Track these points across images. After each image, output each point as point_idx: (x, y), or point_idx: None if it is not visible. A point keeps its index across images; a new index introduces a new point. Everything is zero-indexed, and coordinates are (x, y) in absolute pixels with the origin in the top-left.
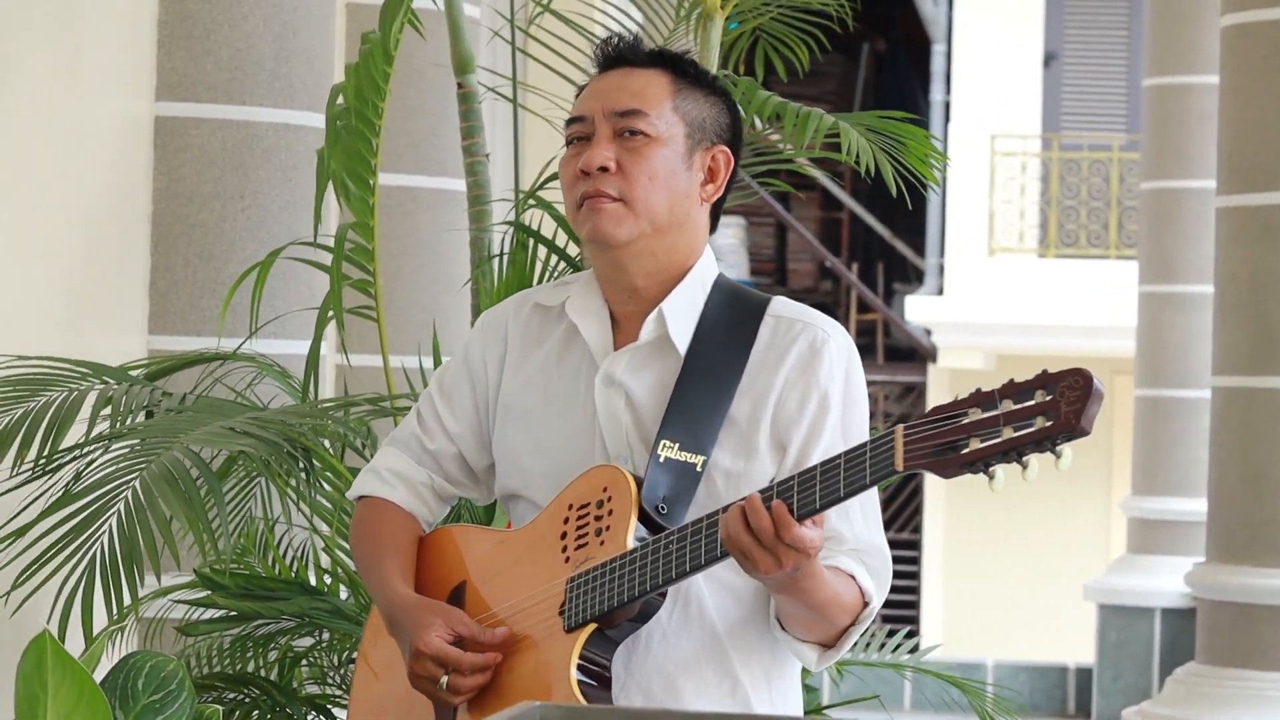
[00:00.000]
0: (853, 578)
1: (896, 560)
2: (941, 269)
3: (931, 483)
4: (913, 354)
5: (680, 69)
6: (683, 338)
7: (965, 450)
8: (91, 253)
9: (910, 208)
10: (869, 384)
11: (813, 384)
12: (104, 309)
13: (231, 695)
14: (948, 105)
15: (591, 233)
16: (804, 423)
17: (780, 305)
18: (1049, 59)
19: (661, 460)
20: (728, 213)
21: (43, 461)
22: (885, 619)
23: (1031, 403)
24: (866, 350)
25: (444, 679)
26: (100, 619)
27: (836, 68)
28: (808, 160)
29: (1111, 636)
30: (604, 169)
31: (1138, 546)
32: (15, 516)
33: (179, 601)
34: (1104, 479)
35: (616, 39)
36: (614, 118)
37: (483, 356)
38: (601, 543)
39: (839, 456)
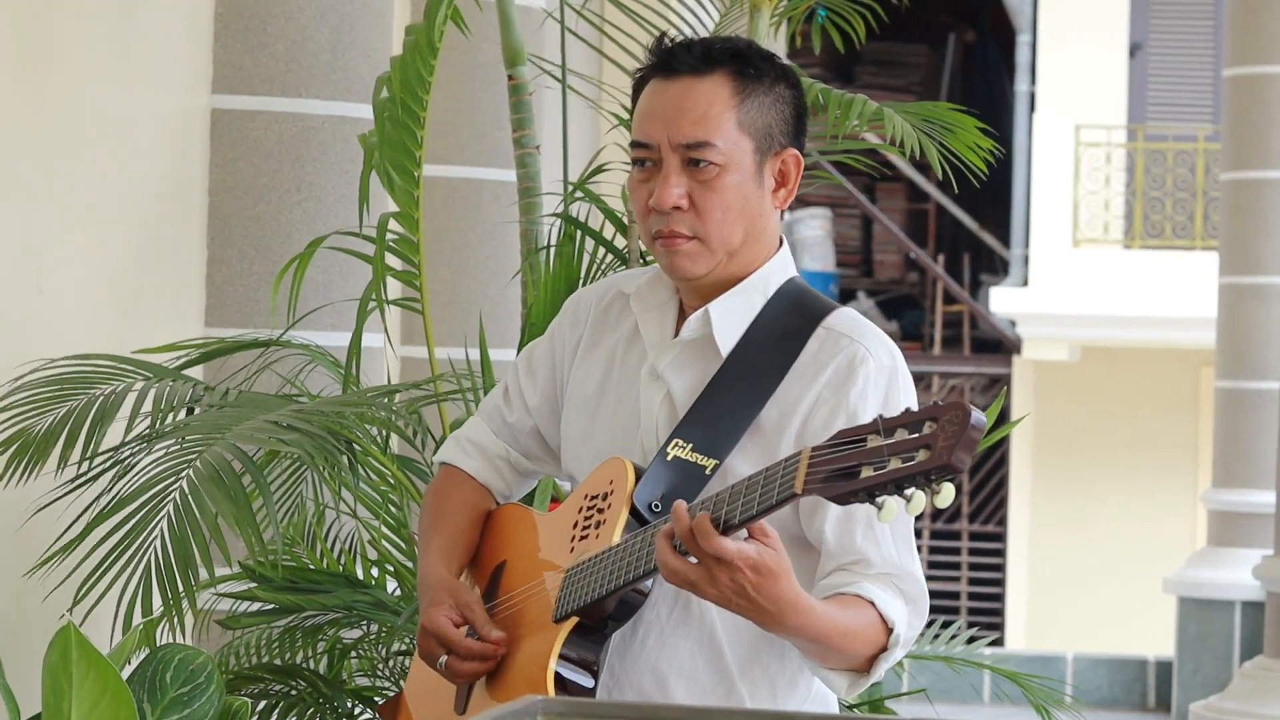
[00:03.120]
0: (872, 604)
1: (981, 553)
2: (1026, 260)
3: (1017, 474)
4: (998, 346)
5: (742, 66)
6: (727, 340)
7: (859, 477)
8: (147, 247)
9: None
10: (954, 376)
11: (842, 402)
12: (160, 303)
13: (278, 687)
14: (1032, 96)
15: (669, 270)
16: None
17: (837, 319)
18: (1134, 49)
19: (669, 458)
20: (813, 203)
21: (85, 463)
22: (969, 611)
23: (920, 434)
24: (952, 342)
25: (443, 659)
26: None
27: (923, 59)
28: (893, 153)
29: (1191, 629)
30: (677, 207)
31: (1218, 539)
32: (68, 523)
33: (223, 595)
34: (1189, 471)
35: (672, 41)
36: (681, 149)
37: (564, 337)
38: (597, 536)
39: (761, 473)
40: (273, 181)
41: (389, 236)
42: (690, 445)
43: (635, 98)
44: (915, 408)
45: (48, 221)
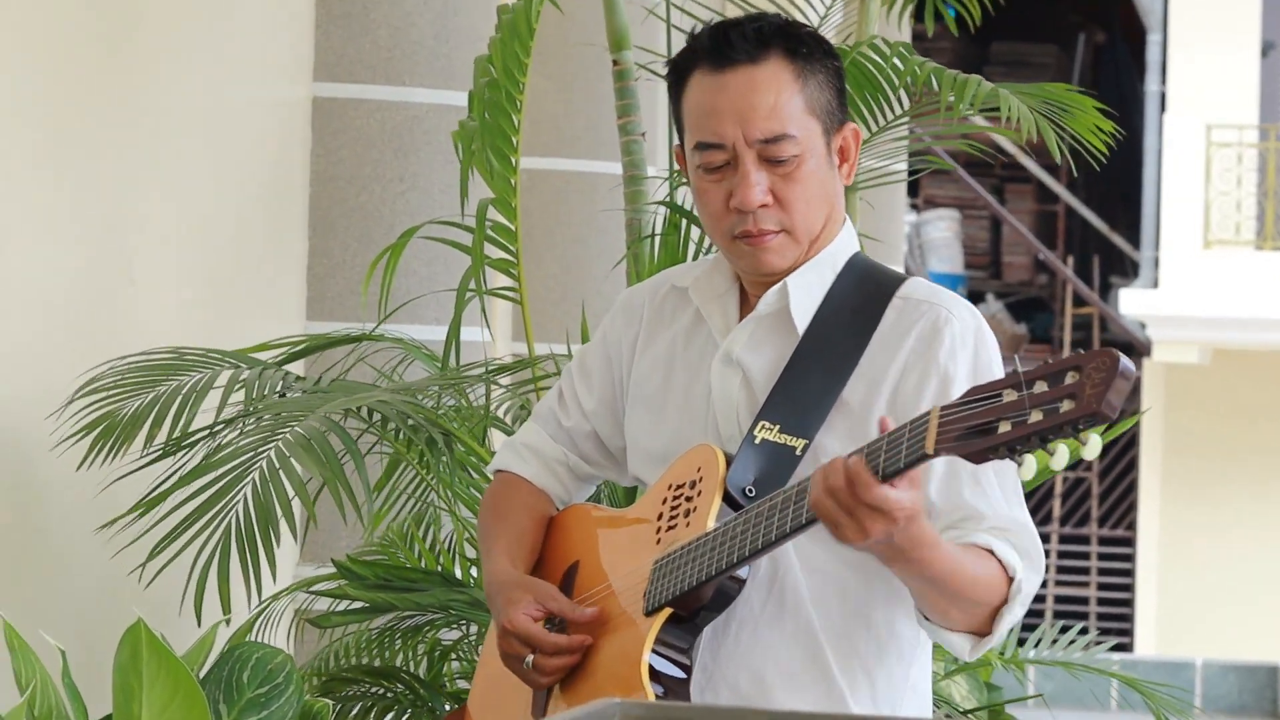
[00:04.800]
0: (990, 552)
1: (1110, 558)
2: (1157, 262)
3: (1146, 477)
4: (1128, 349)
5: (794, 45)
6: (804, 315)
7: (996, 433)
8: (246, 238)
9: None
10: None
11: (932, 364)
12: (259, 296)
13: (376, 690)
14: (1163, 96)
15: (754, 267)
16: (923, 405)
17: (912, 286)
18: (1267, 48)
19: (757, 441)
20: (941, 205)
21: (172, 444)
22: (1098, 617)
23: (1062, 385)
24: (1082, 345)
25: (529, 658)
26: (240, 596)
27: (1052, 59)
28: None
29: None
30: (763, 205)
31: None
32: (148, 495)
33: (314, 593)
34: None
35: (720, 28)
36: (758, 145)
37: (619, 336)
38: (688, 524)
39: (883, 437)
40: (375, 171)
41: (486, 224)
42: (778, 426)
43: (676, 92)
44: (1000, 368)
45: (145, 212)
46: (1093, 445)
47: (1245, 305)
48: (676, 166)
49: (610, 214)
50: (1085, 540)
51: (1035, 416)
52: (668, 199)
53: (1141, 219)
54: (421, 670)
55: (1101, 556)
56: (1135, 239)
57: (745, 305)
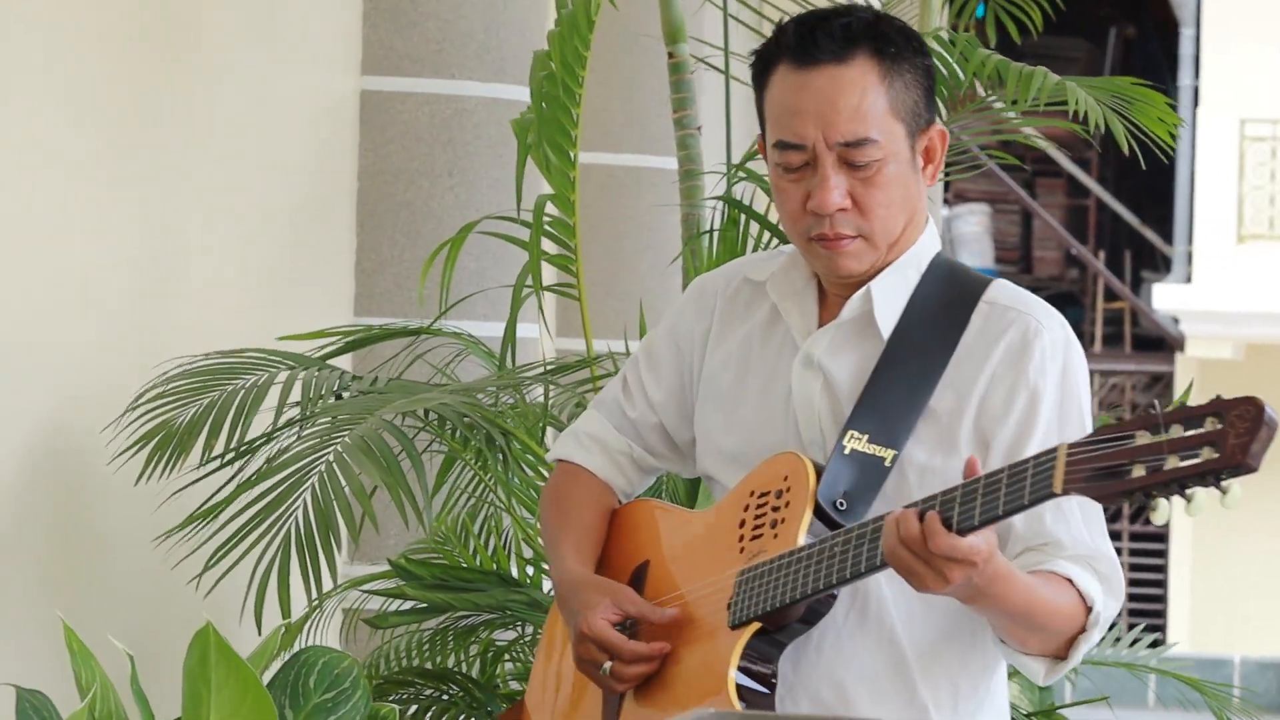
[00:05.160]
0: (1069, 581)
1: (1142, 554)
2: (1189, 257)
3: None
4: (1160, 343)
5: (881, 45)
6: (888, 320)
7: (1128, 477)
8: (294, 233)
9: (1154, 194)
10: (1116, 374)
11: (1021, 379)
12: (307, 291)
13: (429, 692)
14: (1196, 90)
15: (830, 270)
16: (1011, 420)
17: (997, 290)
18: None
19: (847, 452)
20: (972, 199)
21: (231, 453)
22: (1131, 613)
23: (1201, 430)
24: (1113, 340)
25: (607, 665)
26: (298, 600)
27: (1082, 53)
28: (1054, 144)
29: None
30: (841, 209)
31: None
32: (204, 503)
33: (370, 593)
34: None
35: (807, 23)
36: (839, 148)
37: (689, 327)
38: (775, 535)
39: (1003, 471)
40: (424, 166)
41: (544, 220)
42: (867, 436)
43: (760, 84)
44: (1088, 382)
45: (192, 206)
46: (1233, 495)
47: (1278, 300)
48: (734, 160)
49: (664, 210)
50: (1117, 536)
51: (1173, 463)
52: (726, 194)
53: (1174, 214)
54: (474, 671)
55: (1134, 553)
56: (1166, 233)
57: (823, 303)
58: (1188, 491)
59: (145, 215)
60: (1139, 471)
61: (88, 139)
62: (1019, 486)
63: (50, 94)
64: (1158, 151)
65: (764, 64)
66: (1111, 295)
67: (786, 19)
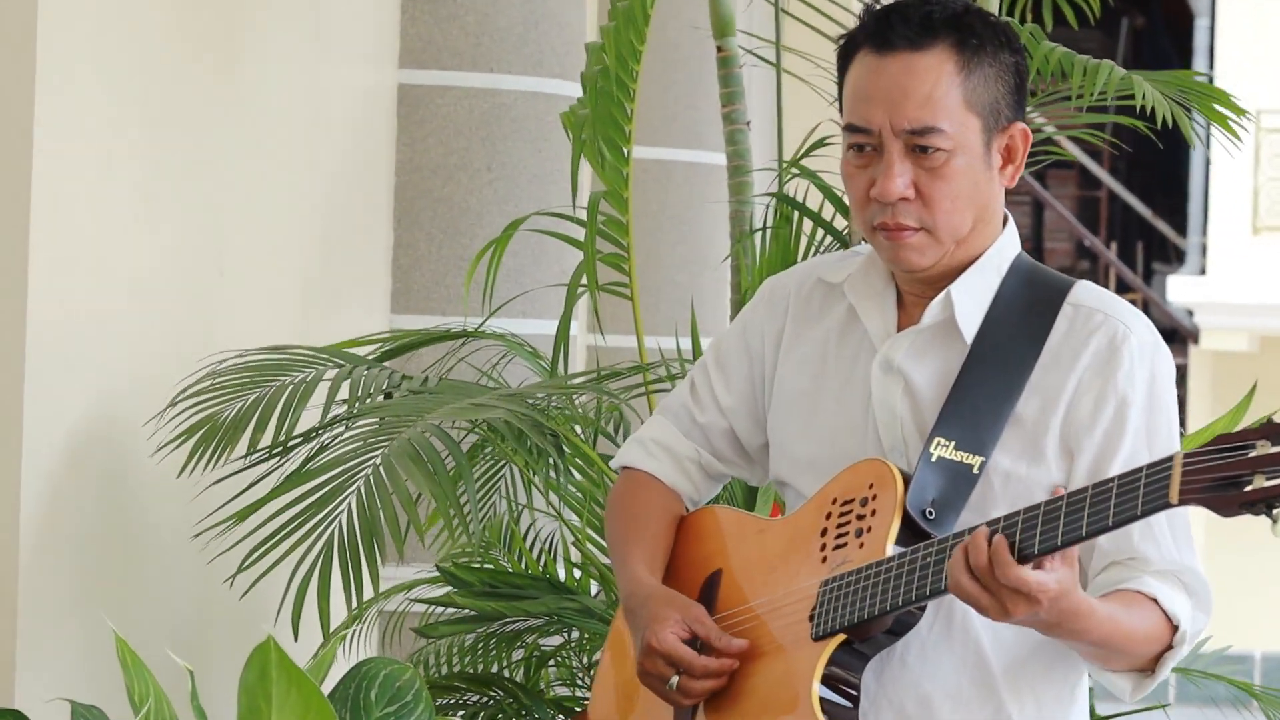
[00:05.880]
0: (1154, 601)
1: None
2: (1204, 248)
3: None
4: (1174, 335)
5: (964, 36)
6: (970, 324)
7: (1248, 488)
8: (332, 229)
9: (1166, 185)
10: None
11: (1110, 387)
12: (344, 287)
13: (473, 698)
14: (1210, 81)
15: (893, 261)
16: (1098, 430)
17: (1082, 292)
18: None
19: (934, 459)
20: None
21: (278, 448)
22: None
23: None
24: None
25: (674, 679)
26: (337, 608)
27: (1094, 44)
28: (1066, 136)
29: None
30: (903, 198)
31: None
32: (242, 494)
33: (419, 600)
34: None
35: (888, 8)
36: (905, 135)
37: (761, 329)
38: (860, 545)
39: (1111, 481)
40: (462, 160)
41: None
42: (954, 443)
43: (841, 69)
44: (1174, 387)
45: (231, 200)
46: None
47: None
48: (786, 157)
49: (712, 207)
50: None
51: None
52: (779, 190)
53: (1188, 205)
54: (519, 676)
55: None
56: (1178, 224)
57: (902, 306)
58: None
59: (186, 209)
60: (1260, 482)
61: (129, 134)
62: (1131, 496)
63: (92, 89)
64: (1227, 149)
65: (847, 49)
66: (1124, 287)
67: (873, 4)
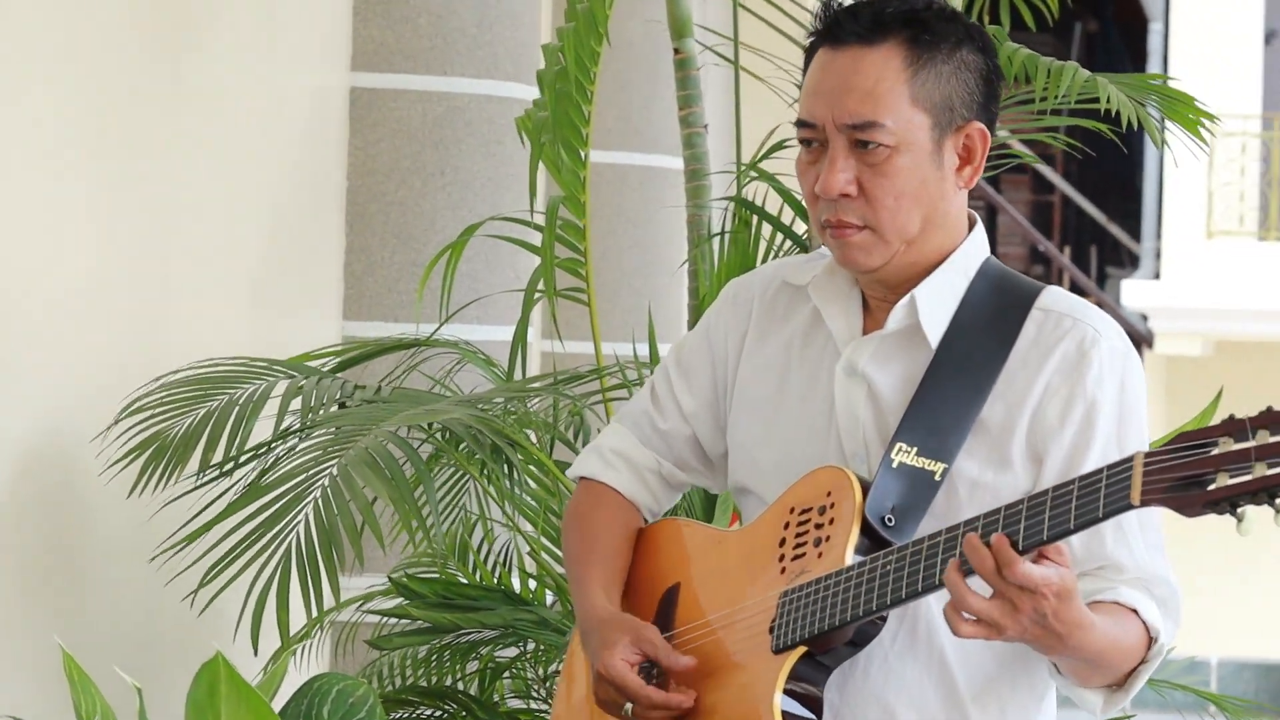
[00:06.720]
0: (1135, 612)
1: None
2: (1158, 253)
3: None
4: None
5: (917, 32)
6: (936, 328)
7: (1211, 487)
8: (282, 235)
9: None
10: None
11: (1078, 390)
12: (296, 294)
13: (428, 711)
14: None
15: (841, 261)
16: (1066, 435)
17: (1051, 298)
18: (1270, 36)
19: (895, 465)
20: None
21: (229, 464)
22: None
23: None
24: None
25: (627, 707)
26: (296, 621)
27: (1048, 49)
28: (1019, 140)
29: None
30: (845, 195)
31: None
32: (199, 515)
33: (372, 612)
34: None
35: (837, 5)
36: (847, 130)
37: (724, 332)
38: (819, 554)
39: (1072, 482)
40: (416, 164)
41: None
42: (916, 449)
43: (805, 68)
44: (1145, 395)
45: (180, 206)
46: None
47: (1248, 297)
48: (744, 159)
49: (669, 211)
50: None
51: (1261, 470)
52: (736, 194)
53: (1142, 210)
54: (473, 689)
55: None
56: (1132, 229)
57: (867, 310)
58: (1278, 501)
59: (133, 217)
60: (1224, 480)
61: (75, 139)
62: (1091, 499)
63: (38, 93)
64: (1193, 152)
65: (809, 53)
66: (1078, 291)
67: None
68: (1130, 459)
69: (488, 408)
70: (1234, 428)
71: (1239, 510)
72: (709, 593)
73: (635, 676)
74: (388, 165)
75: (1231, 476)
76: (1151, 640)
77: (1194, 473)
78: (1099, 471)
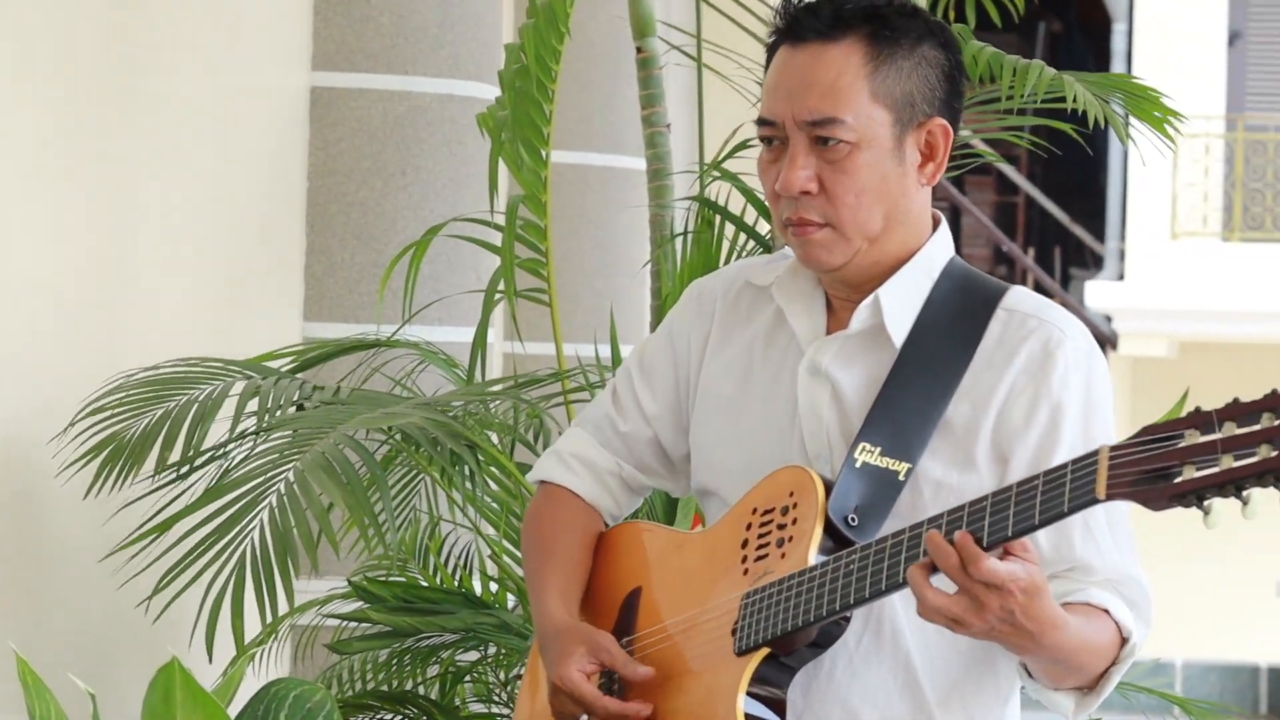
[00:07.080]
0: (1106, 612)
1: None
2: (1122, 254)
3: None
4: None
5: (877, 28)
6: (900, 328)
7: (1178, 480)
8: (244, 235)
9: (1083, 191)
10: None
11: (1043, 391)
12: (256, 295)
13: (387, 715)
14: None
15: (803, 260)
16: (1031, 435)
17: (1016, 298)
18: (1233, 37)
19: (858, 465)
20: None
21: (185, 464)
22: None
23: (1256, 427)
24: None
25: (584, 716)
26: (252, 626)
27: (1013, 48)
28: (981, 141)
29: None
30: (806, 192)
31: None
32: (154, 517)
33: (331, 616)
34: None
35: (798, 2)
36: (806, 127)
37: (687, 333)
38: (782, 555)
39: (1037, 477)
40: (377, 164)
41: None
42: (879, 449)
43: (767, 66)
44: (1111, 396)
45: (139, 207)
46: (1254, 504)
47: (1212, 297)
48: (707, 158)
49: (630, 212)
50: None
51: (1228, 462)
52: (699, 194)
53: (1106, 210)
54: (434, 693)
55: None
56: (1096, 230)
57: (831, 311)
58: (1244, 493)
59: (91, 217)
60: (1190, 473)
61: (33, 138)
62: (1056, 493)
63: None
64: (1159, 150)
65: (771, 46)
66: (1042, 292)
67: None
68: (1095, 453)
69: (447, 410)
70: (1200, 420)
71: (1206, 503)
72: (671, 596)
73: (590, 686)
74: (349, 165)
75: (1198, 469)
76: (1124, 641)
77: (1160, 466)
78: (1064, 466)
